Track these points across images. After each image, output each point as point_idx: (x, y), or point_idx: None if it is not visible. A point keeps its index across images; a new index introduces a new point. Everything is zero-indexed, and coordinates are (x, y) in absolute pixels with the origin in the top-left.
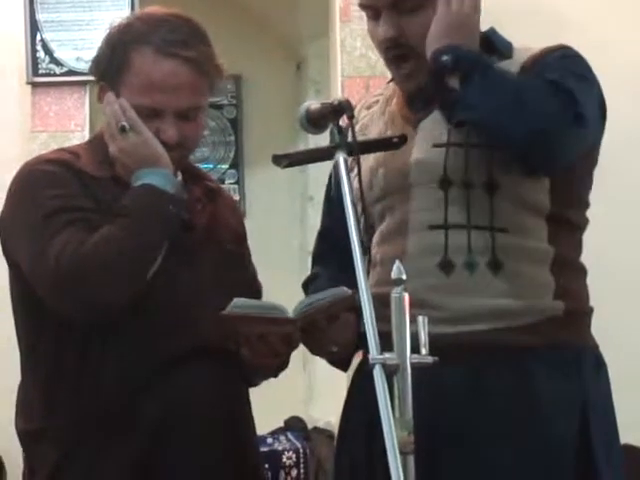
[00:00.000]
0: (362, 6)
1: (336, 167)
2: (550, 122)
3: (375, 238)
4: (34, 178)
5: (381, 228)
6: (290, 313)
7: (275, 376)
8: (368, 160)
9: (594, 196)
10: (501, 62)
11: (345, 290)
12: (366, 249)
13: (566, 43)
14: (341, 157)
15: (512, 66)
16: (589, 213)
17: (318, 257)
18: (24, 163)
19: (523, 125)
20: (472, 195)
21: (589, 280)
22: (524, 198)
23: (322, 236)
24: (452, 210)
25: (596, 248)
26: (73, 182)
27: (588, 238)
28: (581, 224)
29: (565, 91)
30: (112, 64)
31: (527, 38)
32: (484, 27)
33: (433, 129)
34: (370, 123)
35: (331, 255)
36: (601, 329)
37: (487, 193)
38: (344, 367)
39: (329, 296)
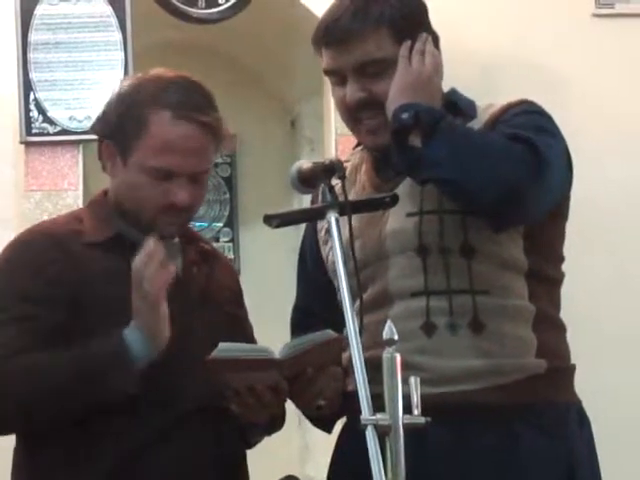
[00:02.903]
0: (327, 72)
1: (308, 233)
2: (515, 173)
3: (357, 308)
4: (12, 267)
5: (363, 298)
6: (277, 355)
7: (269, 434)
8: (344, 232)
9: (577, 250)
10: (466, 124)
11: (332, 333)
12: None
13: (559, 98)
14: (333, 217)
15: (476, 126)
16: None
17: (296, 328)
18: (18, 236)
19: (488, 180)
20: (450, 261)
21: (570, 335)
22: (502, 258)
23: (298, 309)
24: (431, 277)
25: (574, 303)
26: (55, 264)
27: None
28: (558, 278)
29: (525, 141)
30: (125, 125)
31: (520, 93)
32: (484, 80)
33: (406, 198)
34: (341, 193)
35: (310, 326)
36: (582, 384)
37: (465, 257)
38: (328, 428)
39: (317, 337)
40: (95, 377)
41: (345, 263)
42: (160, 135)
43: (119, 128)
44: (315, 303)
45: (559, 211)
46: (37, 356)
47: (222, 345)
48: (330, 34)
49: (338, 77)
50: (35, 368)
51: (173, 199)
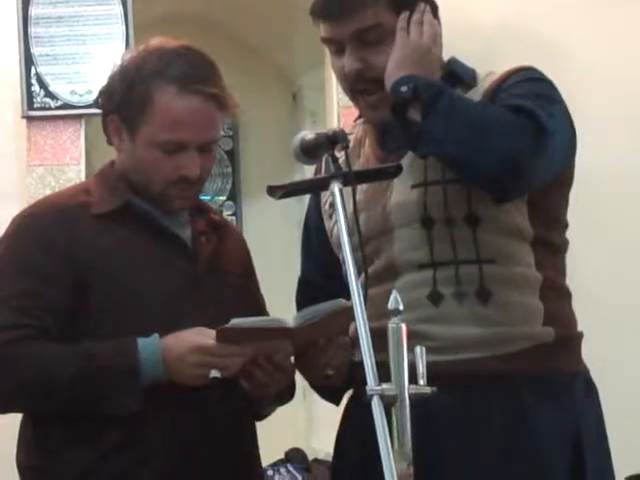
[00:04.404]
0: (325, 40)
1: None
2: (515, 147)
3: (362, 281)
4: (21, 241)
5: (369, 272)
6: (290, 324)
7: (279, 405)
8: (348, 205)
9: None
10: (466, 93)
11: (345, 302)
12: (365, 272)
13: (556, 66)
14: (336, 187)
15: (476, 94)
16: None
17: (302, 302)
18: (26, 209)
19: (489, 154)
20: (455, 231)
21: (575, 303)
22: (507, 226)
23: (304, 282)
24: (438, 248)
25: (579, 270)
26: (62, 240)
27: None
28: (563, 246)
29: (526, 112)
30: (131, 100)
31: (517, 61)
32: (479, 49)
33: (410, 170)
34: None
35: (316, 299)
36: (590, 352)
37: (470, 227)
38: (336, 399)
39: (329, 306)
40: (98, 394)
41: (350, 235)
42: (168, 110)
43: (125, 103)
44: (320, 277)
45: (563, 178)
46: (41, 350)
47: (234, 320)
48: (328, 6)
49: (336, 46)
50: (35, 365)
51: (184, 172)
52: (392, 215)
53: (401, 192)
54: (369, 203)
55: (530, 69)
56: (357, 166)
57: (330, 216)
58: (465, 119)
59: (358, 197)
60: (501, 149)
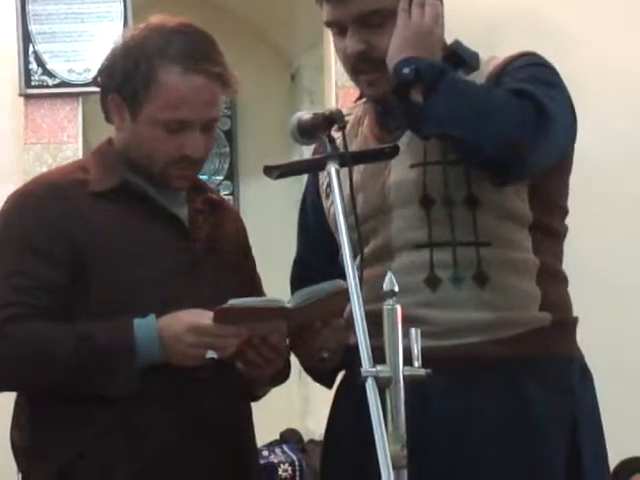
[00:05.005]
0: (328, 23)
1: (310, 186)
2: (517, 130)
3: (358, 262)
4: (17, 219)
5: (365, 251)
6: (287, 304)
7: (275, 386)
8: (345, 185)
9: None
10: (468, 75)
11: (343, 283)
12: (361, 257)
13: (558, 50)
14: (333, 168)
15: (478, 78)
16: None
17: (297, 282)
18: (23, 186)
19: (490, 136)
20: (454, 212)
21: (571, 288)
22: (506, 209)
23: (299, 262)
24: (436, 228)
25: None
26: (60, 218)
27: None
28: (562, 232)
29: (529, 96)
30: (134, 78)
31: (520, 46)
32: (487, 38)
33: (409, 149)
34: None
35: (311, 280)
36: (584, 338)
37: (469, 209)
38: (329, 382)
39: (327, 287)
40: (94, 374)
41: (346, 216)
42: (172, 90)
43: (127, 82)
44: (316, 257)
45: (563, 164)
46: (38, 329)
47: (232, 301)
48: None
49: (339, 28)
50: (32, 344)
51: (187, 151)
52: (390, 194)
53: (399, 171)
54: (367, 182)
55: (533, 54)
56: (354, 145)
57: (328, 195)
58: (467, 100)
59: (355, 177)
60: (503, 131)
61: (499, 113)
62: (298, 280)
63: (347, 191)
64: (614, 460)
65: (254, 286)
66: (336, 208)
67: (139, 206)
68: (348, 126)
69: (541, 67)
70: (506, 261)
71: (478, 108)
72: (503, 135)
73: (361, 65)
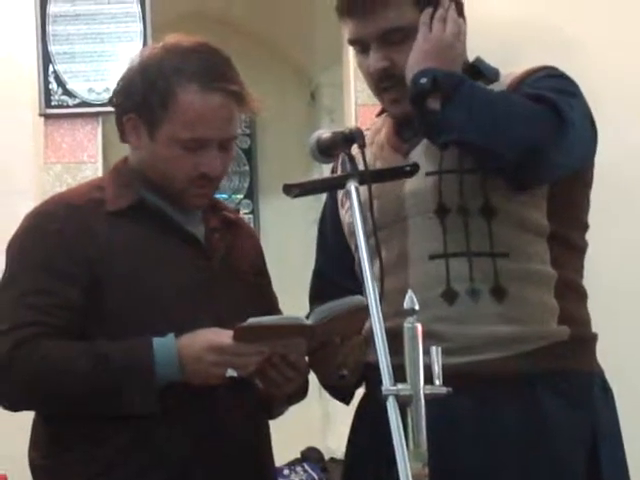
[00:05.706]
0: (351, 41)
1: (329, 199)
2: (536, 134)
3: (376, 272)
4: (34, 238)
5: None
6: (307, 321)
7: (292, 404)
8: (361, 194)
9: (598, 216)
10: (488, 86)
11: (362, 299)
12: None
13: (576, 64)
14: (353, 186)
15: (497, 88)
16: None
17: (316, 297)
18: (39, 206)
19: (510, 141)
20: (470, 221)
21: (592, 304)
22: (523, 220)
23: (318, 275)
24: (451, 238)
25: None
26: (76, 238)
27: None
28: (581, 246)
29: (547, 102)
30: (151, 99)
31: (535, 62)
32: (494, 49)
33: (424, 158)
34: (358, 155)
35: (329, 294)
36: (603, 354)
37: (485, 218)
38: (347, 399)
39: (347, 303)
40: (113, 394)
41: (366, 235)
42: (190, 108)
43: (144, 102)
44: (334, 271)
45: (583, 176)
46: (56, 348)
47: (251, 319)
48: (353, 3)
49: (362, 46)
50: (50, 363)
51: (205, 169)
52: (406, 203)
53: (415, 180)
54: (383, 191)
55: (552, 67)
56: (369, 152)
57: (343, 204)
58: (486, 106)
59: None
60: (522, 136)
61: (518, 118)
62: (317, 295)
63: (364, 199)
64: (635, 476)
65: (270, 304)
66: (356, 227)
67: (155, 224)
68: (366, 139)
69: (561, 78)
70: (524, 273)
71: (497, 113)
72: (522, 139)
73: (384, 82)
